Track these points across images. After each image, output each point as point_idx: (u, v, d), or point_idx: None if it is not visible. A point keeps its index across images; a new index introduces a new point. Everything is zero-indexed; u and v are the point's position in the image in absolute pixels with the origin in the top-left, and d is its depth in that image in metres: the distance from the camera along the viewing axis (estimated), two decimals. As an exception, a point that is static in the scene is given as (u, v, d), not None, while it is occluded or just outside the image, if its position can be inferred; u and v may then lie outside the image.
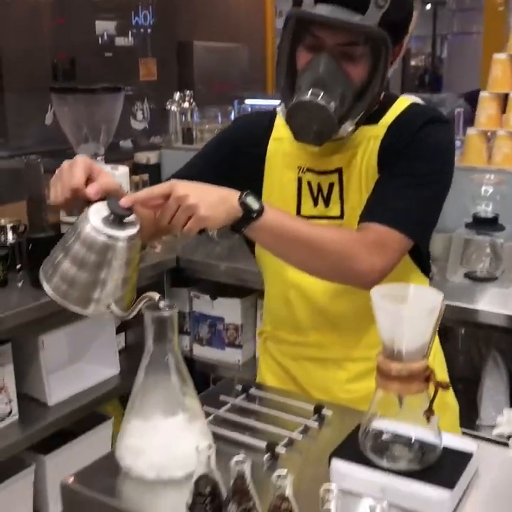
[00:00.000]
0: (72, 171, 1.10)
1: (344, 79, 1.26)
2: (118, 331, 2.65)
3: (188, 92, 3.46)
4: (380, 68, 1.27)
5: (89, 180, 1.12)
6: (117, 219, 1.07)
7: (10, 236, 2.33)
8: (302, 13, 1.24)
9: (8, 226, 2.34)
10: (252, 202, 1.15)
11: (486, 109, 2.37)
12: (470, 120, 2.51)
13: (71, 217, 2.47)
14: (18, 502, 2.25)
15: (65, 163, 1.13)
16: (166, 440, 1.05)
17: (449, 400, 1.48)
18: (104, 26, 4.21)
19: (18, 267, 2.32)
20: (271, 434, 1.17)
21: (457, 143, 2.36)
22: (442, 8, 10.00)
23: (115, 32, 4.12)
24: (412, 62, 12.80)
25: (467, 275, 2.26)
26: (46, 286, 1.08)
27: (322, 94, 1.24)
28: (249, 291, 2.53)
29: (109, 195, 1.10)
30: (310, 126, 1.27)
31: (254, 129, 1.46)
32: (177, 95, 3.41)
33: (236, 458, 0.94)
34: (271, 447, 1.12)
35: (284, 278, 1.41)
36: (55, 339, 2.38)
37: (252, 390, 1.32)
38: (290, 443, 1.16)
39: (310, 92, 1.24)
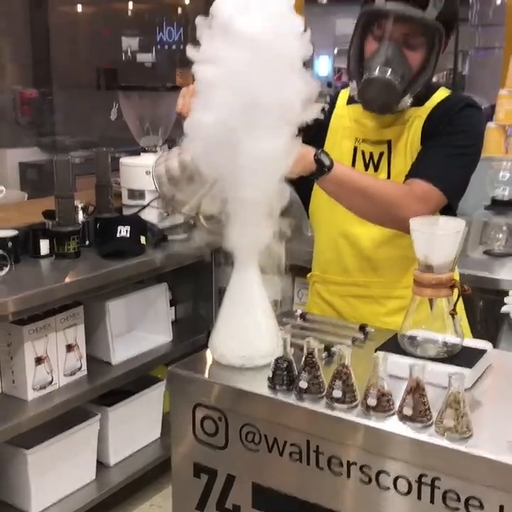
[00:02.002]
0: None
1: (405, 62, 1.61)
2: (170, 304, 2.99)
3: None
4: (433, 55, 1.63)
5: None
6: None
7: (81, 216, 2.68)
8: (378, 8, 1.60)
9: (80, 207, 2.69)
10: (324, 158, 1.50)
11: (504, 105, 2.71)
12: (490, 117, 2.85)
13: (132, 201, 2.83)
14: (84, 448, 2.58)
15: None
16: (251, 334, 1.38)
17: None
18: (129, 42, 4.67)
19: (87, 242, 2.67)
20: (326, 342, 1.50)
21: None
22: (464, 24, 10.34)
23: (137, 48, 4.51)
24: (434, 79, 13.06)
25: (486, 252, 2.59)
26: None
27: (389, 71, 1.59)
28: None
29: None
30: (378, 98, 1.62)
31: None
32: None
33: (306, 340, 1.28)
34: (327, 348, 1.45)
35: (334, 228, 1.75)
36: (119, 305, 2.73)
37: (308, 316, 1.66)
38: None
39: (378, 69, 1.59)
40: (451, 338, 1.35)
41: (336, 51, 11.74)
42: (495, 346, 2.59)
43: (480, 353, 1.38)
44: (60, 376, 2.48)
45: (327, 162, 1.50)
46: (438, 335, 1.35)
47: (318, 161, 1.50)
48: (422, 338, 1.36)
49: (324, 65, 12.08)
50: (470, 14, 8.66)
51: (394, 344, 1.39)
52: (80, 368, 2.55)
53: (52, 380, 2.45)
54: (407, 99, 1.64)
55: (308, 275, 1.90)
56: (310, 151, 1.50)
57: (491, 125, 2.75)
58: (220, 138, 1.29)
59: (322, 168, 1.50)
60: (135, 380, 2.74)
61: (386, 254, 1.72)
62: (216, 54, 1.29)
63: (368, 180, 1.60)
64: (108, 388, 2.62)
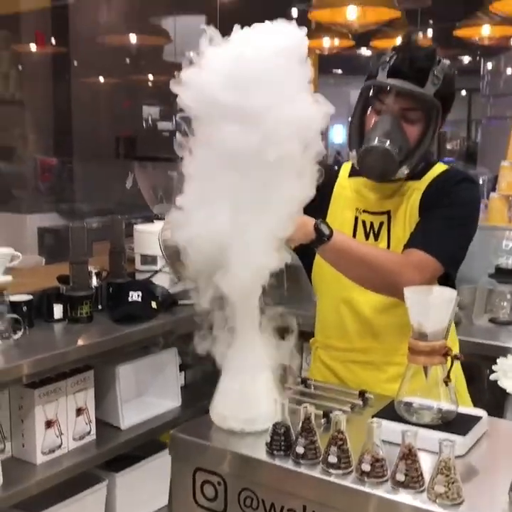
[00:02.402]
0: None
1: (403, 135, 1.71)
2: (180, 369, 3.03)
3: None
4: (430, 129, 1.73)
5: None
6: None
7: (95, 281, 2.76)
8: (380, 83, 1.71)
9: (94, 272, 2.78)
10: (324, 228, 1.58)
11: (506, 176, 2.79)
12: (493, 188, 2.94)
13: (145, 266, 2.91)
14: (91, 514, 2.59)
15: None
16: (251, 399, 1.43)
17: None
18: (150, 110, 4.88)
19: (100, 306, 2.75)
20: (325, 408, 1.53)
21: (482, 205, 2.77)
22: (477, 94, 10.59)
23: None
24: (448, 146, 13.33)
25: (491, 320, 2.62)
26: None
27: (388, 142, 1.68)
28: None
29: None
30: (377, 166, 1.71)
31: (326, 179, 1.90)
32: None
33: (303, 405, 1.32)
34: (326, 414, 1.49)
35: (336, 294, 1.81)
36: (129, 370, 2.77)
37: (309, 381, 1.70)
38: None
39: (377, 139, 1.69)
40: (446, 406, 1.38)
41: (349, 120, 12.07)
42: (502, 415, 2.61)
43: (474, 420, 1.41)
44: (69, 440, 2.50)
45: (327, 231, 1.58)
46: (433, 402, 1.39)
47: (318, 230, 1.57)
48: (418, 404, 1.40)
49: (339, 133, 12.44)
50: (481, 85, 8.91)
51: (391, 411, 1.43)
52: (89, 432, 2.58)
53: (61, 443, 2.48)
54: (404, 170, 1.72)
55: (311, 340, 1.95)
56: (310, 220, 1.57)
57: (494, 195, 2.83)
58: (208, 237, 1.36)
59: (322, 237, 1.57)
60: (143, 445, 2.76)
61: (386, 320, 1.77)
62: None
63: (366, 250, 1.66)
64: (116, 453, 2.64)
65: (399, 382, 1.69)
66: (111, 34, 5.00)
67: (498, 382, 1.16)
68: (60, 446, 2.46)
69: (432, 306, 1.35)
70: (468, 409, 1.46)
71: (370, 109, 1.76)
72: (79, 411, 2.54)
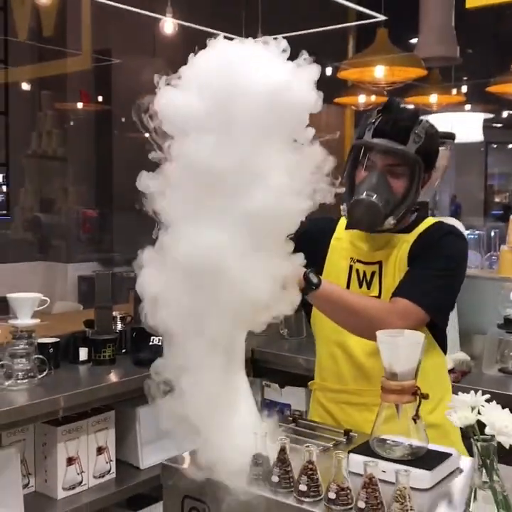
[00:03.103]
0: None
1: (389, 189, 1.86)
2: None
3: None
4: (415, 183, 1.87)
5: None
6: None
7: (119, 325, 2.95)
8: (366, 142, 1.87)
9: (118, 317, 2.96)
10: (312, 277, 1.72)
11: (515, 231, 2.89)
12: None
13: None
14: (109, 551, 2.70)
15: None
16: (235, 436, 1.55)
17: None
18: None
19: (124, 350, 2.92)
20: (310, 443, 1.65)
21: (493, 257, 2.88)
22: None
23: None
24: (496, 199, 13.31)
25: (501, 370, 2.69)
26: None
27: (374, 196, 1.82)
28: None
29: None
30: (364, 217, 1.85)
31: (324, 229, 2.04)
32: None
33: (280, 437, 1.44)
34: (308, 449, 1.60)
35: (331, 339, 1.94)
36: (149, 412, 2.90)
37: (300, 420, 1.82)
38: (324, 450, 1.64)
39: (365, 193, 1.84)
40: (415, 442, 1.49)
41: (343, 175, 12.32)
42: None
43: (444, 456, 1.51)
44: (90, 477, 2.65)
45: (315, 280, 1.71)
46: (404, 438, 1.49)
47: (306, 279, 1.71)
48: (390, 441, 1.50)
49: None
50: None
51: (367, 447, 1.54)
52: (109, 471, 2.72)
53: (81, 480, 2.62)
54: (391, 220, 1.86)
55: (310, 383, 2.07)
56: (301, 269, 1.72)
57: (503, 248, 2.93)
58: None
59: (310, 286, 1.71)
60: (162, 485, 2.87)
61: (377, 363, 1.87)
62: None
63: (352, 298, 1.79)
64: (135, 492, 2.77)
65: (389, 423, 1.81)
66: (150, 92, 5.26)
67: (448, 417, 1.26)
68: (80, 483, 2.61)
69: (400, 348, 1.47)
70: (440, 447, 1.55)
71: (359, 165, 1.91)
72: (99, 450, 2.69)
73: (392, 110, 1.87)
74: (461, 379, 2.63)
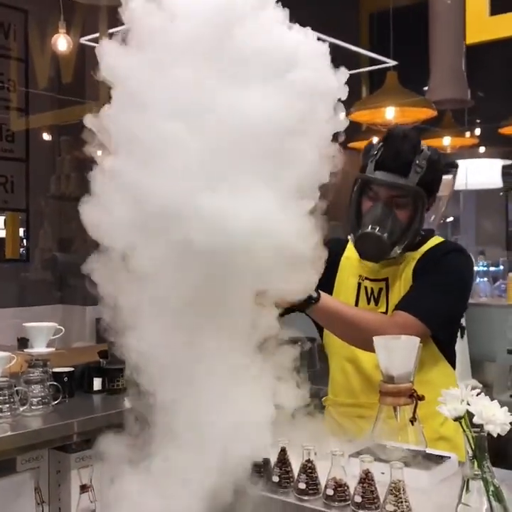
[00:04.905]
0: None
1: (394, 219, 1.96)
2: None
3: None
4: (418, 212, 1.96)
5: None
6: None
7: (130, 356, 3.02)
8: (368, 177, 1.97)
9: (132, 348, 3.03)
10: (312, 292, 1.78)
11: (523, 257, 2.95)
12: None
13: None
14: None
15: None
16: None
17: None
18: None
19: (136, 380, 2.99)
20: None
21: (502, 286, 2.94)
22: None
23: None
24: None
25: (512, 395, 2.72)
26: None
27: (378, 228, 1.92)
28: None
29: None
30: (370, 250, 1.95)
31: (335, 251, 2.12)
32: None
33: (280, 438, 1.51)
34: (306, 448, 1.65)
35: (342, 354, 2.02)
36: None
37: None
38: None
39: (370, 226, 1.93)
40: (413, 445, 1.54)
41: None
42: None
43: (442, 459, 1.55)
44: (103, 506, 2.69)
45: (314, 295, 1.79)
46: (403, 441, 1.55)
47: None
48: (389, 444, 1.56)
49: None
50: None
51: (366, 450, 1.59)
52: (93, 512, 2.75)
53: (94, 509, 2.66)
54: (397, 250, 1.95)
55: (323, 399, 2.14)
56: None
57: (511, 275, 2.98)
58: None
59: (310, 300, 1.79)
60: None
61: None
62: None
63: (352, 311, 1.87)
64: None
65: (387, 425, 1.86)
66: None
67: (438, 409, 1.32)
68: None
69: (396, 351, 1.53)
70: (438, 451, 1.60)
71: (364, 197, 2.00)
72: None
73: (394, 141, 1.96)
74: (473, 405, 2.65)
